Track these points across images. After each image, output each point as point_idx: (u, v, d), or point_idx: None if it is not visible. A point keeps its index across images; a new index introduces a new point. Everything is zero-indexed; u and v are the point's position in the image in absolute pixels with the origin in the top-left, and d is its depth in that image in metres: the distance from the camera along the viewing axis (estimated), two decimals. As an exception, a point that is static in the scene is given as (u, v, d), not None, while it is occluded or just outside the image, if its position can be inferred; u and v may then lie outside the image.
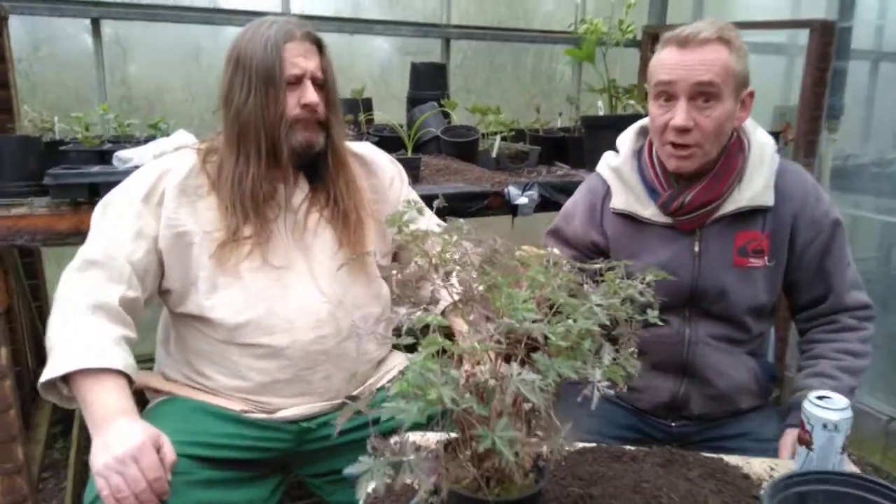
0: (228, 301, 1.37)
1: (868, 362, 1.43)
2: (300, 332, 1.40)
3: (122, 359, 1.22)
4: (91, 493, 1.14)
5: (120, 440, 1.15)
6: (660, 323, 1.02)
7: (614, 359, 0.79)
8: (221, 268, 1.37)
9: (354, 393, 1.48)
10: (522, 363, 0.78)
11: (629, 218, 1.50)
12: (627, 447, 1.28)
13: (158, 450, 1.17)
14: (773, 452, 1.38)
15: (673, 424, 1.53)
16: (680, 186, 1.44)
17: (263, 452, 1.38)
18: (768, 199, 1.41)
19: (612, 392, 0.82)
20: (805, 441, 1.14)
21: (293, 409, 1.41)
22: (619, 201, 1.50)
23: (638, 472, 1.15)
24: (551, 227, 1.62)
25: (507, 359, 0.78)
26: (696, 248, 1.45)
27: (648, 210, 1.47)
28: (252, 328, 1.38)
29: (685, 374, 1.49)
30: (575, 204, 1.60)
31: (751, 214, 1.43)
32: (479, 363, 0.70)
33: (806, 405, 1.14)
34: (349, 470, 0.74)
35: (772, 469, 1.24)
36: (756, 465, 1.25)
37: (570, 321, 0.75)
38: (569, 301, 0.79)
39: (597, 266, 1.08)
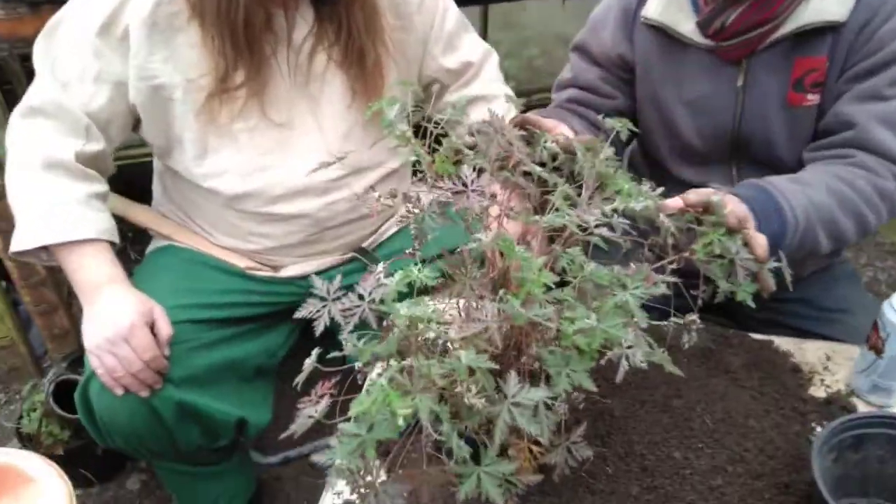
0: (222, 168, 1.17)
1: (873, 222, 1.03)
2: (308, 200, 1.21)
3: (93, 224, 1.09)
4: (88, 367, 1.10)
5: (108, 319, 1.07)
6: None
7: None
8: (211, 126, 1.14)
9: (364, 245, 1.34)
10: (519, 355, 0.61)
11: (664, 35, 1.16)
12: (664, 323, 1.14)
13: (152, 326, 1.10)
14: (833, 323, 1.23)
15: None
16: (726, 1, 1.08)
17: (271, 306, 1.31)
18: (840, 13, 1.03)
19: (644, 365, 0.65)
20: (875, 347, 0.97)
21: (300, 265, 1.30)
22: (653, 8, 1.16)
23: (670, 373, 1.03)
24: (576, 41, 1.29)
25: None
26: (740, 82, 1.12)
27: (689, 25, 1.13)
28: (253, 199, 1.20)
29: None
30: (607, 9, 1.24)
31: (815, 35, 1.06)
32: (468, 382, 0.54)
33: (885, 308, 0.95)
34: (316, 458, 0.63)
35: (828, 359, 1.09)
36: (810, 353, 1.10)
37: (593, 318, 0.55)
38: (597, 275, 0.59)
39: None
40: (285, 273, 1.30)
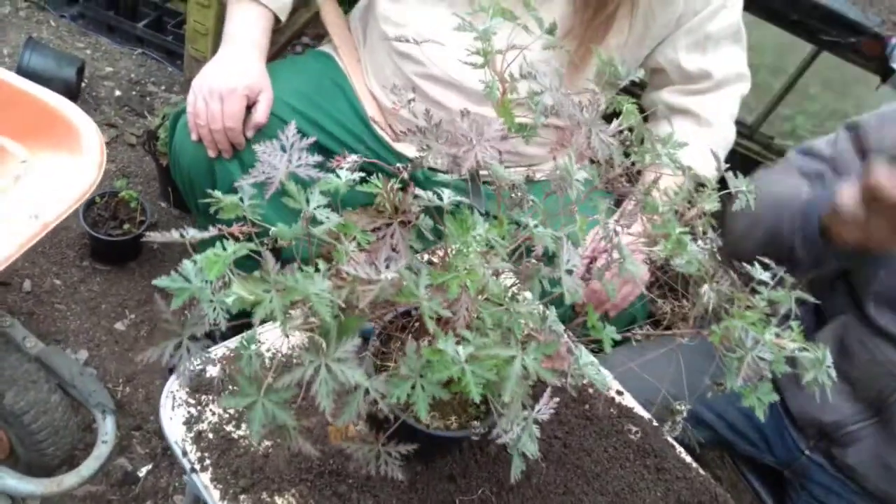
0: (403, 21, 1.14)
1: None
2: (457, 98, 1.14)
3: None
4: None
5: (220, 71, 1.12)
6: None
7: None
8: None
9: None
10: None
11: None
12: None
13: (252, 104, 1.12)
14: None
15: (806, 452, 1.14)
16: None
17: (369, 165, 1.28)
18: None
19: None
20: None
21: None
22: None
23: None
24: (855, 121, 1.07)
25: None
26: None
27: None
28: (412, 64, 1.15)
29: (877, 414, 1.05)
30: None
31: None
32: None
33: None
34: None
35: None
36: None
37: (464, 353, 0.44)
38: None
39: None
40: (400, 147, 1.26)
